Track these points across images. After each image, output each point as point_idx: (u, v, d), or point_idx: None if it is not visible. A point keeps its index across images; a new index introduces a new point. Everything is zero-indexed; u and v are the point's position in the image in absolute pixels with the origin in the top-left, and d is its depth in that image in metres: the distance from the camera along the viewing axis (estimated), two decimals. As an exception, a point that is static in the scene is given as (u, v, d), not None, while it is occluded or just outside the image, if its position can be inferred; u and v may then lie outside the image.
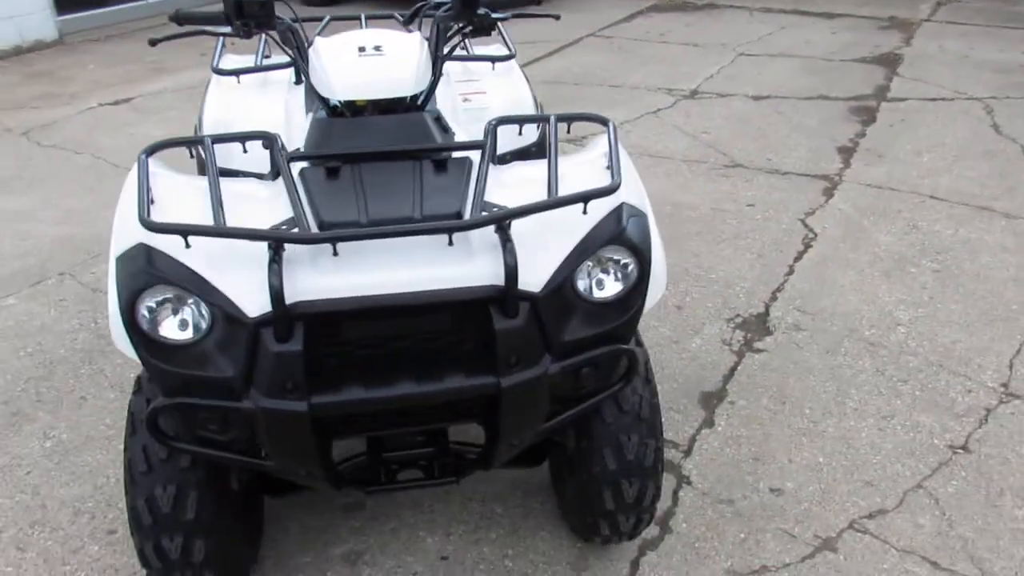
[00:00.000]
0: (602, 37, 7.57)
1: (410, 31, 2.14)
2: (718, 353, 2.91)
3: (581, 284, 1.63)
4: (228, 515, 1.78)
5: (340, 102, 1.81)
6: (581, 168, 1.79)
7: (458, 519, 2.22)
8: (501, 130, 1.82)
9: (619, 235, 1.63)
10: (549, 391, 1.62)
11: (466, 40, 2.97)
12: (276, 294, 1.42)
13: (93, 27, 7.63)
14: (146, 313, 1.48)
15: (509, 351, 1.53)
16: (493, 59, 2.84)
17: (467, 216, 1.56)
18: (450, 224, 1.48)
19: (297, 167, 1.68)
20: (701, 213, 3.99)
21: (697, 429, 2.54)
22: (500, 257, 1.50)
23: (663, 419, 2.51)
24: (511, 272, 1.49)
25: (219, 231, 1.45)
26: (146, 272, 1.48)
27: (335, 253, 1.49)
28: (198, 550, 1.71)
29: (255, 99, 2.55)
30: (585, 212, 1.61)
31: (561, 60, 6.83)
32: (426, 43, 1.87)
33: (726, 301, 3.23)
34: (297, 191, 1.57)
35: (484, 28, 2.04)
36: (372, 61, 1.76)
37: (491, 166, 1.81)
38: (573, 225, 1.62)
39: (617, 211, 1.67)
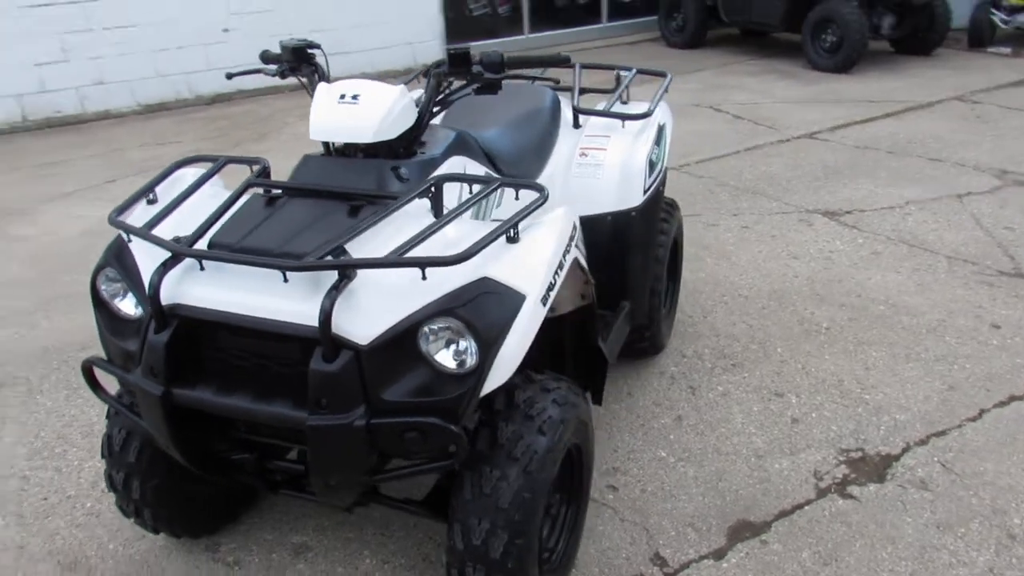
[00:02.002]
0: (967, 101, 6.52)
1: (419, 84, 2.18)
2: (797, 484, 2.46)
3: (424, 349, 1.61)
4: (172, 470, 2.08)
5: (329, 143, 2.00)
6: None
7: (404, 552, 2.27)
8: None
9: (456, 309, 1.58)
10: (369, 444, 1.63)
11: (623, 94, 2.94)
12: (152, 291, 1.68)
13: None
14: (104, 286, 1.86)
15: (319, 393, 1.59)
16: (624, 117, 2.76)
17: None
18: (272, 262, 1.59)
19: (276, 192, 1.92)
20: (919, 322, 3.32)
21: (700, 556, 2.22)
22: (336, 301, 1.57)
23: (678, 532, 2.27)
24: (324, 318, 1.55)
25: (136, 232, 1.76)
26: (107, 254, 1.86)
27: (201, 268, 1.71)
28: (135, 488, 2.06)
29: None
30: (424, 278, 1.59)
31: (895, 123, 6.06)
32: (406, 96, 1.96)
33: (858, 430, 2.69)
34: (222, 211, 1.82)
35: (489, 86, 2.05)
36: (343, 108, 1.91)
37: (418, 218, 1.84)
38: (427, 289, 1.61)
39: (473, 285, 1.61)
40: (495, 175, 2.20)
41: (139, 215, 1.91)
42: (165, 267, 1.70)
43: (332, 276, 1.61)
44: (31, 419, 2.88)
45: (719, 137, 5.88)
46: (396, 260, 1.58)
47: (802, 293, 3.60)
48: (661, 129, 2.88)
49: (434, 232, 1.66)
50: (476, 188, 1.94)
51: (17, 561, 2.26)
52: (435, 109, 2.08)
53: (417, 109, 2.00)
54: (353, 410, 1.60)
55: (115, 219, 1.83)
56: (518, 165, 2.50)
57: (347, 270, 1.60)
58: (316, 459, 1.66)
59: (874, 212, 4.44)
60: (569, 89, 2.93)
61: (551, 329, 2.21)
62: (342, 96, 1.94)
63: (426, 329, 1.60)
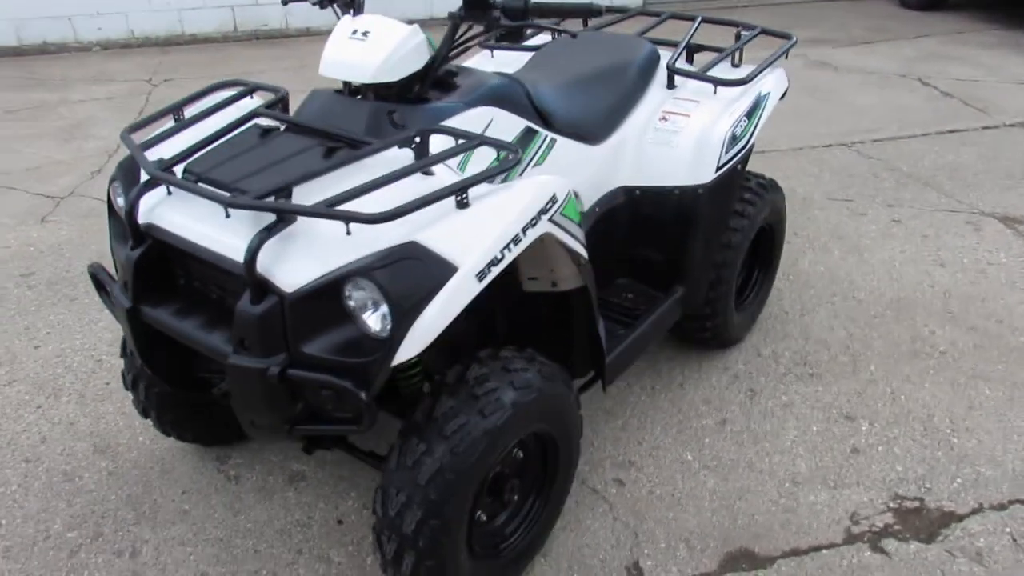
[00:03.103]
0: None
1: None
2: (826, 523, 2.16)
3: (350, 307, 1.55)
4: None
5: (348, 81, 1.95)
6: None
7: (387, 502, 2.26)
8: None
9: (374, 271, 1.49)
10: (286, 393, 1.60)
11: (735, 56, 2.64)
12: (128, 207, 1.75)
13: (678, 1, 8.28)
14: (117, 197, 1.96)
15: (241, 333, 1.58)
16: (717, 81, 2.48)
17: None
18: (214, 194, 1.58)
19: (264, 122, 1.93)
20: (1065, 365, 2.76)
21: (679, 577, 2.02)
22: (270, 242, 1.54)
23: (668, 545, 2.10)
24: (248, 257, 1.52)
25: (130, 147, 1.82)
26: (119, 167, 1.95)
27: (169, 193, 1.74)
28: (141, 391, 2.21)
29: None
30: (349, 233, 1.52)
31: None
32: (417, 37, 1.85)
33: (927, 476, 2.30)
34: (215, 137, 1.84)
35: (511, 33, 1.89)
36: (351, 44, 1.85)
37: (370, 163, 1.73)
38: (358, 245, 1.54)
39: (399, 249, 1.51)
40: (525, 129, 2.04)
41: (160, 132, 1.97)
42: (145, 186, 1.75)
43: (272, 217, 1.58)
44: (126, 308, 3.16)
45: (913, 114, 5.16)
46: (322, 211, 1.51)
47: (931, 307, 3.10)
48: (760, 100, 2.56)
49: (380, 186, 1.57)
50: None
51: (62, 436, 2.52)
52: (452, 54, 1.96)
53: (431, 52, 1.89)
54: (271, 356, 1.57)
55: (124, 133, 1.90)
56: (578, 124, 2.31)
57: (284, 213, 1.56)
58: (236, 398, 1.66)
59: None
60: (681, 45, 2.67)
61: (558, 306, 2.07)
62: (354, 32, 1.88)
63: (352, 286, 1.53)
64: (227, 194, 1.59)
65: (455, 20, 1.91)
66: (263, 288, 1.55)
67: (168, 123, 2.02)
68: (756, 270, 2.93)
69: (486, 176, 1.62)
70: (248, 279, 1.54)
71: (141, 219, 1.76)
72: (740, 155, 2.46)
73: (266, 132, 1.87)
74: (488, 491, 1.88)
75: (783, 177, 4.23)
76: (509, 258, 1.61)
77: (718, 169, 2.40)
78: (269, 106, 2.00)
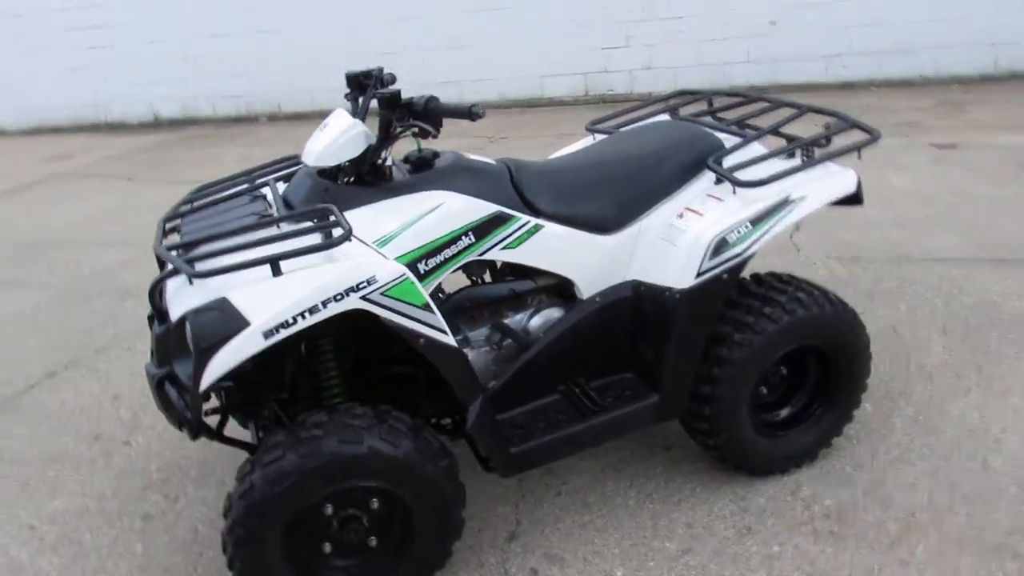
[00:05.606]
0: None
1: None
2: None
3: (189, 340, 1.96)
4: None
5: None
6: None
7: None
8: None
9: (191, 316, 1.87)
10: (174, 399, 2.06)
11: (806, 150, 2.44)
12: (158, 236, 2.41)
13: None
14: None
15: (153, 346, 2.10)
16: (736, 182, 2.34)
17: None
18: (160, 250, 2.10)
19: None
20: None
21: None
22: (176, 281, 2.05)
23: None
24: (151, 290, 2.03)
25: (179, 201, 2.48)
26: None
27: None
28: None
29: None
30: (191, 283, 1.92)
31: None
32: (355, 129, 2.15)
33: None
34: (229, 198, 2.40)
35: (423, 133, 2.10)
36: (317, 133, 2.24)
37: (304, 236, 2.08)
38: (201, 293, 1.93)
39: (215, 301, 1.87)
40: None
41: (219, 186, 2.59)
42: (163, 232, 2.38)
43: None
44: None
45: None
46: (170, 258, 1.95)
47: (1087, 499, 2.31)
48: (782, 205, 2.30)
49: (244, 249, 1.94)
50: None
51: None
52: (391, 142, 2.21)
53: (368, 143, 2.19)
54: (162, 368, 2.05)
55: (192, 191, 2.56)
56: (580, 213, 2.38)
57: (160, 259, 2.03)
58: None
59: None
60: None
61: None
62: (323, 123, 2.28)
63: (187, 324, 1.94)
64: (159, 244, 2.13)
65: (381, 116, 2.18)
66: (164, 316, 2.05)
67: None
68: (816, 401, 2.53)
69: (301, 252, 1.89)
70: (151, 306, 2.05)
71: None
72: (729, 263, 2.24)
73: (255, 199, 2.36)
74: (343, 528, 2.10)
75: (1019, 295, 3.40)
76: (304, 324, 1.86)
77: (698, 275, 2.24)
78: (282, 177, 2.49)
